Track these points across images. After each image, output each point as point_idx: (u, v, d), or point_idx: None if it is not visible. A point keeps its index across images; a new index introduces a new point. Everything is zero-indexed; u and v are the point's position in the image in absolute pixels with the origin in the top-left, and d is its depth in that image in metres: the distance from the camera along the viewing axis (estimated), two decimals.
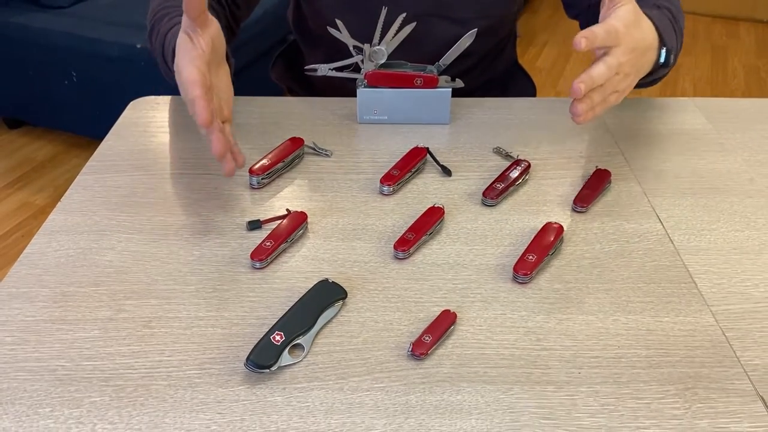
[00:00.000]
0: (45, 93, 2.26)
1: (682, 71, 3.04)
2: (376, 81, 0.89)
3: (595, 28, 0.71)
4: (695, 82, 2.99)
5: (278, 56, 1.20)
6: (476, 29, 0.87)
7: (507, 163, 0.82)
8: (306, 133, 0.87)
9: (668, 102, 1.00)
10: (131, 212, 0.76)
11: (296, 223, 0.71)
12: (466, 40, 0.87)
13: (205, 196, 0.78)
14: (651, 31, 0.79)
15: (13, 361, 0.58)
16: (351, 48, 0.88)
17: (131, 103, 0.97)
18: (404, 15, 0.86)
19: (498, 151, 0.86)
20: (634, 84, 0.79)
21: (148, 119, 0.93)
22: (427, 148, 0.84)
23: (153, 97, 0.98)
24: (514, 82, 1.18)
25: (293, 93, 1.17)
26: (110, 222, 0.74)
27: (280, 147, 0.83)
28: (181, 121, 0.93)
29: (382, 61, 0.88)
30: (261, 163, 0.80)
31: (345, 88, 0.97)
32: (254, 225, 0.73)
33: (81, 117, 2.25)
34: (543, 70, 3.01)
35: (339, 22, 0.87)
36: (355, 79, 0.90)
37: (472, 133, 0.91)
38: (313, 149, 0.86)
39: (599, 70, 0.72)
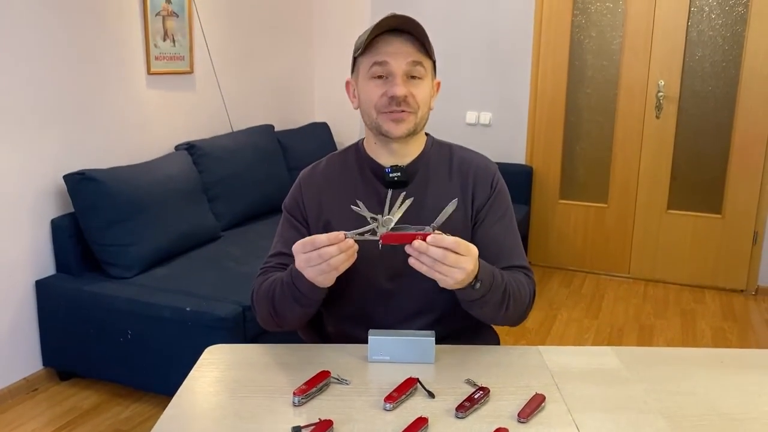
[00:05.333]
0: (100, 349, 2.65)
1: (656, 332, 3.44)
2: (390, 239, 1.17)
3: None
4: (668, 342, 3.38)
5: None
6: (456, 199, 1.23)
7: (473, 389, 1.18)
8: (331, 368, 1.23)
9: (594, 350, 1.37)
10: (218, 415, 1.10)
11: (325, 426, 1.05)
12: (450, 207, 1.20)
13: (263, 411, 1.13)
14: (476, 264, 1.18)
15: None
16: (369, 218, 1.18)
17: (207, 348, 1.35)
18: (404, 193, 1.21)
19: (468, 381, 1.22)
20: (457, 277, 1.15)
21: (221, 360, 1.31)
22: (418, 378, 1.20)
23: (222, 345, 1.37)
24: (484, 330, 1.54)
25: None
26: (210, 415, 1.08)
27: (313, 377, 1.19)
28: (246, 360, 1.30)
29: (392, 227, 1.18)
30: (300, 388, 1.16)
31: (356, 340, 1.35)
32: (297, 429, 1.07)
33: (128, 369, 2.62)
34: (531, 330, 3.41)
35: (360, 202, 1.19)
36: (375, 241, 1.18)
37: (450, 368, 1.27)
38: (337, 379, 1.22)
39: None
